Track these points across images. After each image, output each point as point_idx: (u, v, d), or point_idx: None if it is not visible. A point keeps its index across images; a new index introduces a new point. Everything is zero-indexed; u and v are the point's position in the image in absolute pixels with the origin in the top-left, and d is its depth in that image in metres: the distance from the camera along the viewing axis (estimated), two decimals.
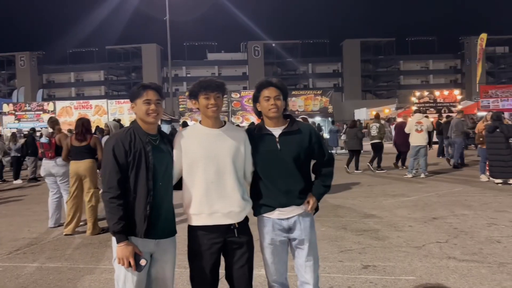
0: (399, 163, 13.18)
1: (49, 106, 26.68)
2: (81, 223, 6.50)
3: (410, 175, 11.04)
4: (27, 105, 27.32)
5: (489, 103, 22.77)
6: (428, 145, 11.53)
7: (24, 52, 63.35)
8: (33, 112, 26.54)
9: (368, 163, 12.91)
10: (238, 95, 24.40)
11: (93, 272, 4.49)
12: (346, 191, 9.10)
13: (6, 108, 27.10)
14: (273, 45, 64.43)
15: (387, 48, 65.56)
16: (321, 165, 2.72)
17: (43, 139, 6.93)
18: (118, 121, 10.27)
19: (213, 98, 2.45)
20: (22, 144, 13.19)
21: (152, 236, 2.35)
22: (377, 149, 12.97)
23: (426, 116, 12.74)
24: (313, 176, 2.75)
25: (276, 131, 2.61)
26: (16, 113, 26.75)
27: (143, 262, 2.29)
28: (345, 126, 23.08)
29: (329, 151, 2.77)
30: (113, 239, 2.34)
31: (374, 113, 14.79)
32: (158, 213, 2.37)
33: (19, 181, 12.80)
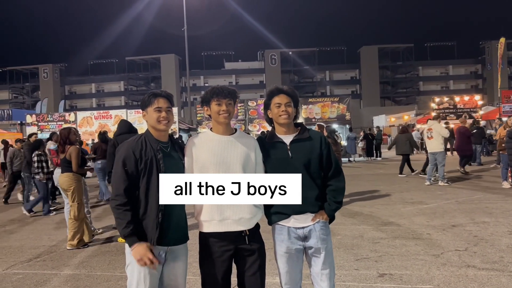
0: (462, 168, 12.76)
1: (70, 116, 27.25)
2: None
3: (428, 183, 10.83)
4: (49, 115, 27.99)
5: (511, 108, 22.25)
6: (445, 151, 11.24)
7: (47, 65, 65.18)
8: (55, 123, 27.14)
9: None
10: (255, 104, 24.49)
11: (110, 279, 4.54)
12: (364, 199, 8.99)
13: (29, 119, 27.81)
14: (290, 53, 64.57)
15: (406, 54, 64.94)
16: (330, 178, 2.66)
17: (52, 146, 6.85)
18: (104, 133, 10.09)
19: (225, 104, 2.47)
20: None
21: (164, 243, 2.37)
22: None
23: (447, 123, 12.42)
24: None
25: (287, 139, 2.62)
26: (39, 123, 27.42)
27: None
28: (362, 133, 22.84)
29: (337, 161, 2.73)
30: (126, 246, 2.37)
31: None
32: (170, 220, 2.40)
33: None
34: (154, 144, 2.43)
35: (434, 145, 10.85)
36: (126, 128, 6.13)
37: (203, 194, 2.45)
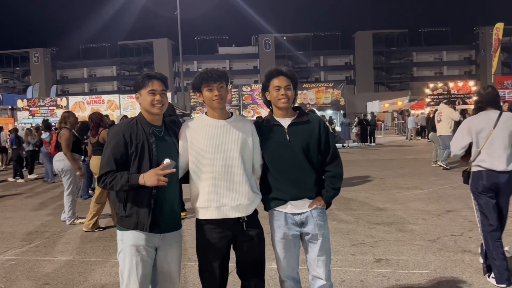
0: None
1: (62, 101, 26.95)
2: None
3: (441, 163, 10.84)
4: (40, 100, 27.65)
5: (504, 94, 22.31)
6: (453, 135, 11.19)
7: (38, 49, 64.15)
8: (46, 107, 26.85)
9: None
10: (249, 89, 24.32)
11: (104, 265, 4.50)
12: (358, 184, 9.00)
13: (20, 104, 27.47)
14: (284, 38, 64.07)
15: (400, 39, 64.73)
16: (328, 164, 2.60)
17: (43, 135, 6.81)
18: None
19: (216, 88, 2.39)
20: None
21: (157, 230, 2.31)
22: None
23: (453, 107, 12.31)
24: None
25: (285, 122, 2.55)
26: (30, 108, 27.09)
27: (166, 161, 2.21)
28: (356, 119, 22.85)
29: (336, 147, 2.67)
30: (118, 232, 2.32)
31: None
32: (163, 207, 2.33)
33: (33, 176, 12.96)
34: (147, 128, 2.35)
35: (443, 128, 10.86)
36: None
37: (199, 179, 2.39)
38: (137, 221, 2.27)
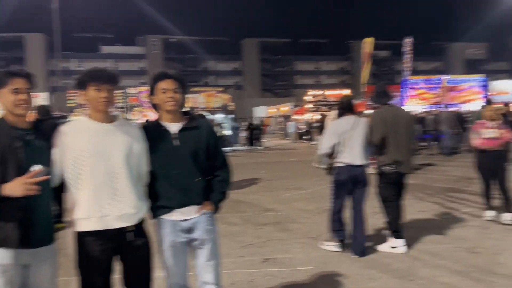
0: None
1: None
2: None
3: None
4: None
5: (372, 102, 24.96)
6: None
7: None
8: None
9: None
10: (135, 91, 23.38)
11: None
12: (247, 186, 9.24)
13: None
14: (171, 40, 63.16)
15: (284, 48, 68.44)
16: (217, 169, 2.61)
17: None
18: None
19: (106, 90, 2.22)
20: None
21: (27, 245, 2.06)
22: None
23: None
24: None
25: (174, 127, 2.48)
26: None
27: (35, 168, 2.00)
28: (245, 124, 23.52)
29: (224, 152, 2.70)
30: None
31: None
32: (33, 219, 2.09)
33: None
34: (11, 131, 2.08)
35: None
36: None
37: (78, 187, 2.20)
38: (3, 236, 2.00)
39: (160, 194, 2.45)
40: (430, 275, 3.89)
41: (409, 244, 4.72)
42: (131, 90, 23.44)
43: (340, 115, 4.61)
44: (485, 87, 24.37)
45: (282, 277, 3.94)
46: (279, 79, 69.58)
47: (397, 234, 4.57)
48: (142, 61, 62.84)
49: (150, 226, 2.44)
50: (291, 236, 5.32)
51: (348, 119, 4.49)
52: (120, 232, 2.24)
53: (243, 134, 23.03)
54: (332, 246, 4.64)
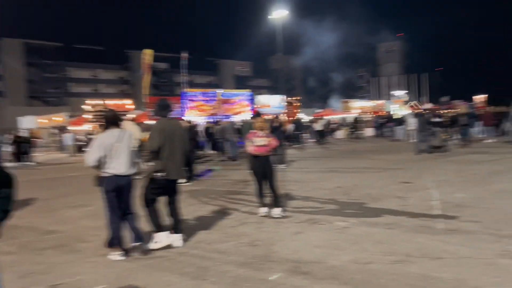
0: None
1: None
2: None
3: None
4: None
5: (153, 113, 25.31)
6: None
7: None
8: None
9: None
10: None
11: None
12: (19, 209, 8.02)
13: None
14: None
15: (55, 53, 62.29)
16: None
17: None
18: None
19: None
20: None
21: None
22: None
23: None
24: None
25: None
26: None
27: None
28: (10, 136, 20.29)
29: (8, 170, 2.38)
30: None
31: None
32: None
33: None
34: None
35: None
36: None
37: None
38: None
39: None
40: (221, 272, 4.28)
41: (197, 246, 5.10)
42: None
43: (106, 128, 4.83)
44: (251, 100, 28.04)
45: None
46: (50, 86, 62.70)
47: (160, 229, 5.09)
48: None
49: None
50: (79, 256, 4.96)
51: (113, 132, 4.77)
52: None
53: (8, 149, 19.81)
54: (117, 256, 4.76)
